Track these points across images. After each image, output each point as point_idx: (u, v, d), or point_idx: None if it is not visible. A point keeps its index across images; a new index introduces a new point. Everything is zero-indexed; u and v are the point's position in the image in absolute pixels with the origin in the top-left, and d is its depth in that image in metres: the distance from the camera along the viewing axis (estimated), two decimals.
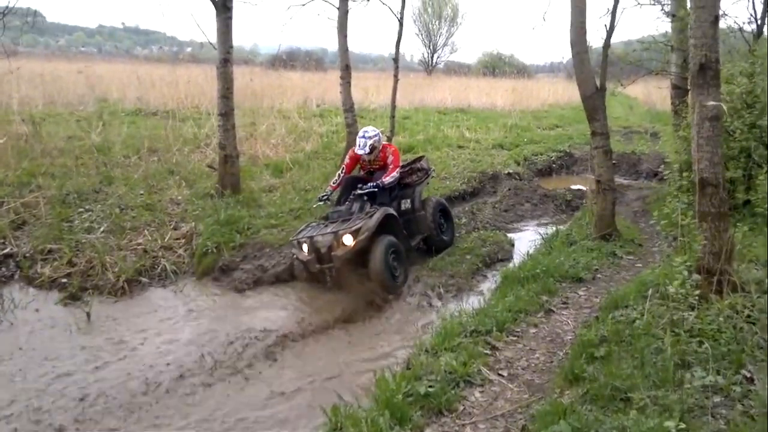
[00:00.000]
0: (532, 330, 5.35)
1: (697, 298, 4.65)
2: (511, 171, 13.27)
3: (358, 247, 6.98)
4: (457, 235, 9.13)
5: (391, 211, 7.64)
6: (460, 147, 15.81)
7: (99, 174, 10.15)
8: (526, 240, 9.15)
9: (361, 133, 7.91)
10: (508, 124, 19.52)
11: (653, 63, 11.51)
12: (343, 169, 8.11)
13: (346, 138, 12.10)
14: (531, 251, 8.14)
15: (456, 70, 38.89)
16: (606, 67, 7.74)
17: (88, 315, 6.33)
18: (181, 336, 6.00)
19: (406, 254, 7.82)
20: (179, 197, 9.41)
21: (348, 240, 6.98)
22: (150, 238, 8.05)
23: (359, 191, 7.69)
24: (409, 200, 8.37)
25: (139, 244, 7.88)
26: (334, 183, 8.02)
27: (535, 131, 19.09)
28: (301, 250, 7.25)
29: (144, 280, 7.22)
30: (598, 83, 7.61)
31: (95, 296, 6.81)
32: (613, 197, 7.84)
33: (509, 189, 11.94)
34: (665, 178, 10.69)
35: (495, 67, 41.93)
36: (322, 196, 7.84)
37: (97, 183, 9.63)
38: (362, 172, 8.30)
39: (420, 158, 8.89)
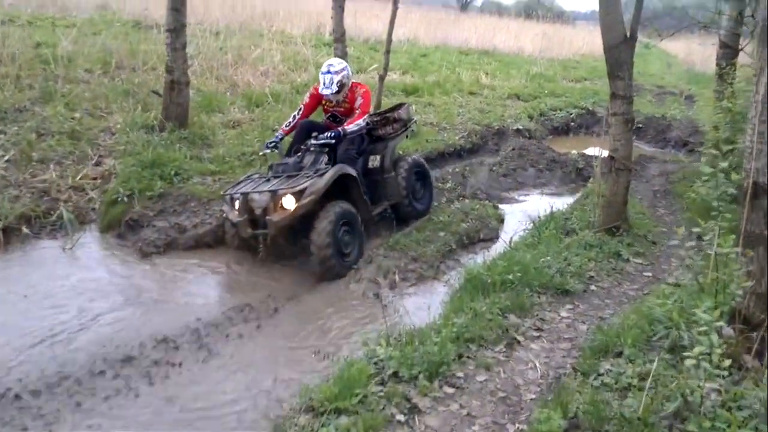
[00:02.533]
0: (481, 377, 3.60)
1: (726, 362, 2.85)
2: (521, 127, 11.26)
3: (299, 213, 5.42)
4: (436, 204, 7.32)
5: (349, 170, 5.95)
6: (471, 93, 13.77)
7: (39, 89, 8.37)
8: (519, 216, 7.26)
9: (324, 67, 6.10)
10: (531, 73, 17.26)
11: (700, 14, 9.27)
12: (300, 110, 6.40)
13: None
14: (516, 237, 6.30)
15: (493, 11, 35.90)
16: (640, 11, 5.68)
17: None
18: (16, 319, 4.35)
19: (365, 226, 6.13)
20: (118, 126, 7.64)
21: (288, 203, 5.42)
22: (58, 174, 6.38)
23: (314, 141, 6.00)
24: (378, 157, 6.59)
25: (44, 181, 6.21)
26: (286, 126, 6.35)
27: (560, 83, 16.81)
28: (233, 208, 5.61)
29: (25, 230, 5.56)
30: (627, 32, 5.60)
31: None
32: (628, 180, 5.93)
33: (514, 149, 9.96)
34: (697, 150, 8.69)
35: (532, 10, 38.74)
36: (270, 143, 6.21)
37: (29, 100, 7.86)
38: (325, 117, 6.52)
39: (399, 106, 7.01)
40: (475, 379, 3.57)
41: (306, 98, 6.43)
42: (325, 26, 19.18)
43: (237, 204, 5.58)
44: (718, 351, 2.76)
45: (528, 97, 14.14)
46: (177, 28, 7.30)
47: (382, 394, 3.25)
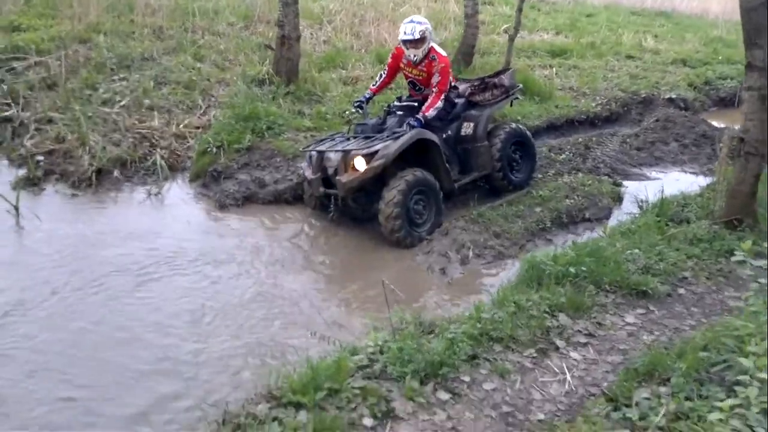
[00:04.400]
0: (490, 385, 3.03)
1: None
2: (674, 96, 9.78)
3: (369, 176, 5.09)
4: (540, 176, 6.54)
5: (429, 135, 5.41)
6: (630, 57, 12.27)
7: (176, 40, 8.65)
8: (644, 194, 6.20)
9: (407, 19, 5.59)
10: (710, 36, 15.08)
11: None
12: (385, 70, 5.99)
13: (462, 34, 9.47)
14: (615, 221, 5.43)
15: None
16: None
17: (16, 209, 4.99)
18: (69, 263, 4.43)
19: (447, 197, 5.66)
20: (234, 78, 7.68)
21: (360, 164, 5.11)
22: (164, 122, 6.53)
23: (396, 103, 5.78)
24: (472, 125, 5.96)
25: (149, 128, 6.38)
26: (374, 85, 6.01)
27: (740, 49, 14.49)
28: (309, 165, 5.44)
29: (116, 174, 5.72)
30: None
31: (55, 184, 5.51)
32: (759, 167, 4.78)
33: (658, 120, 8.67)
34: None
35: None
36: (357, 102, 5.91)
37: (164, 50, 8.12)
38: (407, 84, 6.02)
39: (503, 71, 6.35)
40: (482, 386, 3.01)
41: (389, 58, 5.97)
42: None
43: (312, 161, 5.40)
44: (755, 410, 1.99)
45: (696, 63, 12.33)
46: None
47: (357, 391, 2.82)
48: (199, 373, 3.41)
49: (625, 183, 6.89)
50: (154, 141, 6.20)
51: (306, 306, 4.16)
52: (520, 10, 8.65)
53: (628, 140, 8.08)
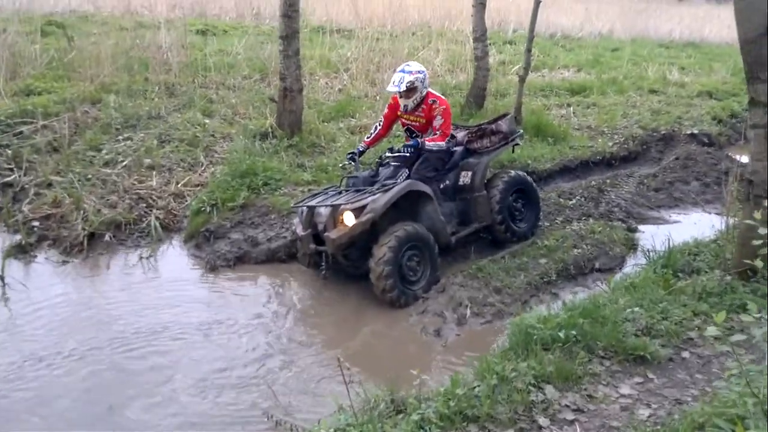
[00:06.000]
0: None
1: None
2: (696, 131, 9.36)
3: (357, 232, 4.88)
4: (548, 224, 6.23)
5: (421, 187, 5.20)
6: (652, 92, 11.92)
7: (185, 95, 8.69)
8: (657, 241, 5.76)
9: (400, 66, 5.44)
10: (738, 66, 14.51)
11: None
12: (380, 121, 5.80)
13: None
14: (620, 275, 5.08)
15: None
16: None
17: (2, 278, 4.91)
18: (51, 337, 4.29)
19: (445, 251, 5.41)
20: (235, 132, 7.63)
21: (349, 219, 4.92)
22: (163, 181, 6.46)
23: (388, 154, 5.54)
24: (470, 173, 5.71)
25: (148, 188, 6.32)
26: (368, 138, 5.83)
27: None
28: (301, 221, 5.26)
29: (108, 237, 5.63)
30: None
31: (47, 250, 5.45)
32: None
33: (677, 158, 8.29)
34: None
35: None
36: (350, 154, 5.70)
37: (165, 106, 8.13)
38: (403, 131, 5.87)
39: (502, 117, 6.03)
40: None
41: (385, 109, 5.78)
42: (508, 23, 18.16)
43: (303, 217, 5.24)
44: None
45: (723, 95, 11.92)
46: (289, 35, 7.02)
47: None
48: None
49: (641, 228, 6.58)
50: (150, 201, 6.12)
51: (275, 377, 3.92)
52: (529, 50, 8.43)
53: (645, 181, 7.72)
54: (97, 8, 13.71)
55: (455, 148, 5.82)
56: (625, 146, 8.60)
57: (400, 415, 3.09)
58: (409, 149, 5.34)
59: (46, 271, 5.20)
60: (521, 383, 3.30)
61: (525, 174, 6.23)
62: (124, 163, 6.62)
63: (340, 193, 5.24)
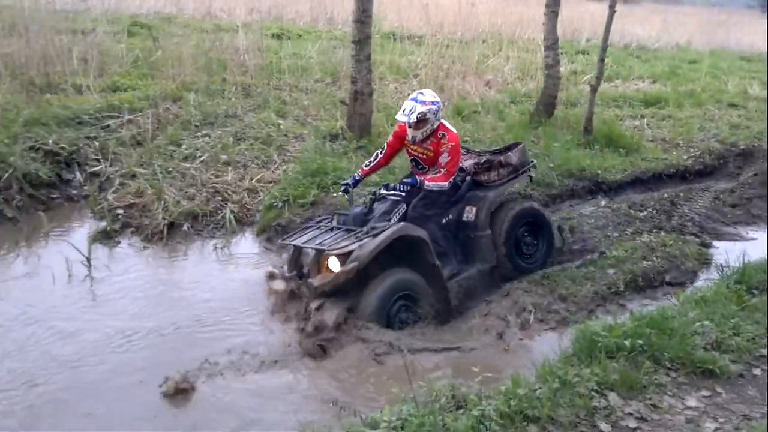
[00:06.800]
0: None
1: None
2: None
3: (342, 281, 4.37)
4: (617, 234, 6.15)
5: (414, 231, 4.64)
6: (732, 106, 11.58)
7: (260, 96, 9.01)
8: (734, 256, 5.54)
9: (413, 94, 4.94)
10: None
11: None
12: (383, 149, 5.27)
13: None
14: (701, 283, 4.98)
15: None
16: None
17: (89, 260, 5.24)
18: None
19: (439, 297, 4.77)
20: (307, 133, 7.86)
21: (334, 265, 4.43)
22: (238, 177, 6.73)
23: (383, 191, 4.98)
24: (474, 209, 5.19)
25: (223, 182, 6.60)
26: (366, 166, 5.28)
27: None
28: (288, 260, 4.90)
29: (185, 228, 5.91)
30: None
31: (130, 237, 5.78)
32: None
33: (756, 174, 8.02)
34: None
35: None
36: (345, 185, 5.16)
37: (241, 106, 8.44)
38: (410, 161, 5.31)
39: (512, 146, 5.54)
40: None
41: (390, 136, 5.30)
42: (581, 32, 17.90)
43: (289, 257, 4.85)
44: None
45: None
46: (361, 39, 7.20)
47: None
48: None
49: (716, 243, 6.40)
50: (226, 195, 6.39)
51: (339, 364, 4.06)
52: (602, 60, 8.34)
53: (721, 196, 7.51)
54: (179, 10, 14.30)
55: (463, 179, 5.32)
56: (701, 160, 8.39)
57: (460, 410, 3.14)
58: (405, 187, 4.85)
59: (128, 255, 5.51)
60: (584, 388, 3.31)
61: (535, 204, 5.76)
62: (202, 158, 6.92)
63: (331, 230, 4.77)
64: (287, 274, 4.75)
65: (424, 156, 5.04)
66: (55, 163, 6.59)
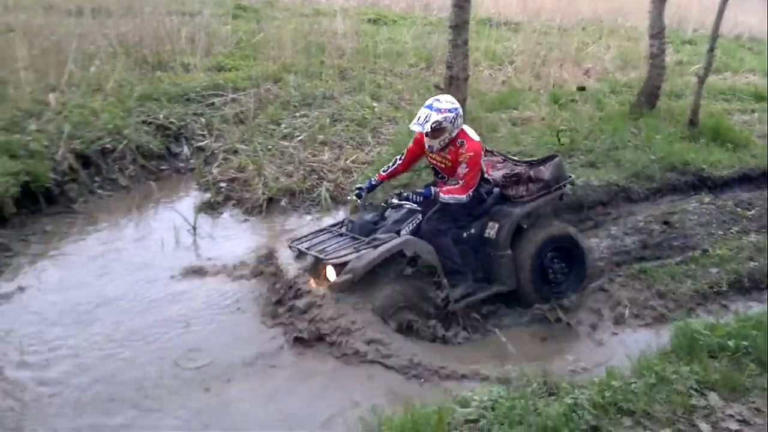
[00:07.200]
0: None
1: None
2: None
3: (336, 291, 4.14)
4: (722, 232, 5.86)
5: (418, 245, 4.32)
6: None
7: (355, 79, 9.16)
8: None
9: (429, 100, 4.48)
10: None
11: None
12: (402, 154, 4.95)
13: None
14: None
15: None
16: None
17: (194, 229, 5.53)
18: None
19: (440, 314, 4.41)
20: (401, 116, 7.92)
21: (331, 274, 4.24)
22: (334, 157, 6.89)
23: (395, 200, 4.65)
24: (497, 226, 4.68)
25: (319, 161, 6.77)
26: (384, 171, 4.96)
27: None
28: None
29: (283, 203, 6.12)
30: None
31: (231, 209, 6.05)
32: None
33: None
34: None
35: None
36: (358, 190, 4.92)
37: (337, 89, 8.61)
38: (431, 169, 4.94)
39: (547, 159, 4.98)
40: None
41: (411, 142, 4.90)
42: (687, 21, 17.03)
43: (291, 256, 4.62)
44: None
45: None
46: (459, 24, 7.13)
47: None
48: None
49: None
50: (322, 174, 6.55)
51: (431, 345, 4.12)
52: (711, 49, 7.92)
53: None
54: None
55: (490, 191, 4.87)
56: None
57: (552, 397, 3.13)
58: (418, 198, 4.49)
59: (230, 226, 5.78)
60: (682, 386, 3.21)
61: (571, 229, 5.08)
62: (300, 138, 7.13)
63: (340, 236, 4.55)
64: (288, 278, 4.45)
65: (443, 165, 4.64)
66: (165, 137, 6.98)
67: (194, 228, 5.50)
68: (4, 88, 6.90)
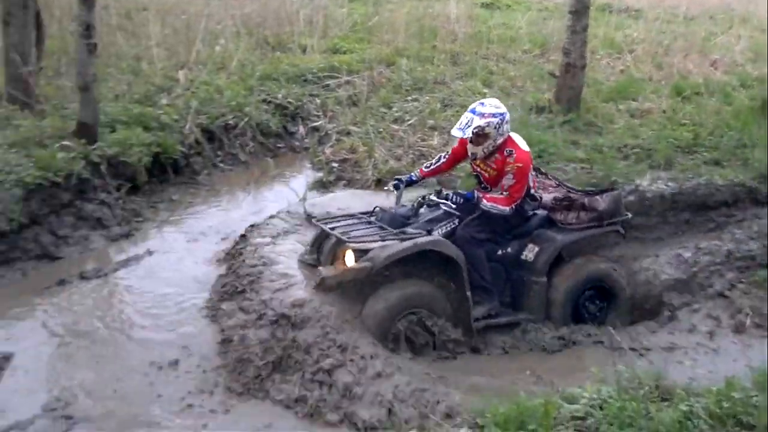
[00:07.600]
0: None
1: None
2: None
3: (349, 278, 3.92)
4: None
5: (448, 249, 4.05)
6: None
7: (467, 65, 9.09)
8: None
9: (473, 104, 4.28)
10: None
11: None
12: (447, 153, 4.73)
13: None
14: None
15: None
16: None
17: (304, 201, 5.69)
18: None
19: (457, 325, 4.13)
20: (513, 104, 7.77)
21: (350, 259, 4.00)
22: (442, 141, 6.87)
23: (433, 197, 4.33)
24: (537, 249, 4.39)
25: (428, 146, 6.80)
26: (426, 168, 4.72)
27: None
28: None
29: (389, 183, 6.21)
30: None
31: (342, 189, 6.20)
32: None
33: None
34: None
35: None
36: (396, 181, 4.67)
37: (449, 74, 8.59)
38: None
39: (608, 190, 4.70)
40: None
41: (456, 142, 4.61)
42: None
43: (314, 236, 4.54)
44: None
45: None
46: (579, 10, 6.93)
47: None
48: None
49: None
50: (430, 159, 6.55)
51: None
52: None
53: None
54: None
55: (537, 211, 4.59)
56: None
57: (665, 403, 3.02)
58: (459, 198, 4.18)
59: (341, 206, 5.91)
60: None
61: (613, 269, 4.68)
62: (410, 122, 7.19)
63: (368, 223, 4.31)
64: (307, 255, 4.44)
65: (487, 174, 4.37)
66: (283, 116, 7.29)
67: (304, 199, 5.64)
68: (138, 63, 7.40)
